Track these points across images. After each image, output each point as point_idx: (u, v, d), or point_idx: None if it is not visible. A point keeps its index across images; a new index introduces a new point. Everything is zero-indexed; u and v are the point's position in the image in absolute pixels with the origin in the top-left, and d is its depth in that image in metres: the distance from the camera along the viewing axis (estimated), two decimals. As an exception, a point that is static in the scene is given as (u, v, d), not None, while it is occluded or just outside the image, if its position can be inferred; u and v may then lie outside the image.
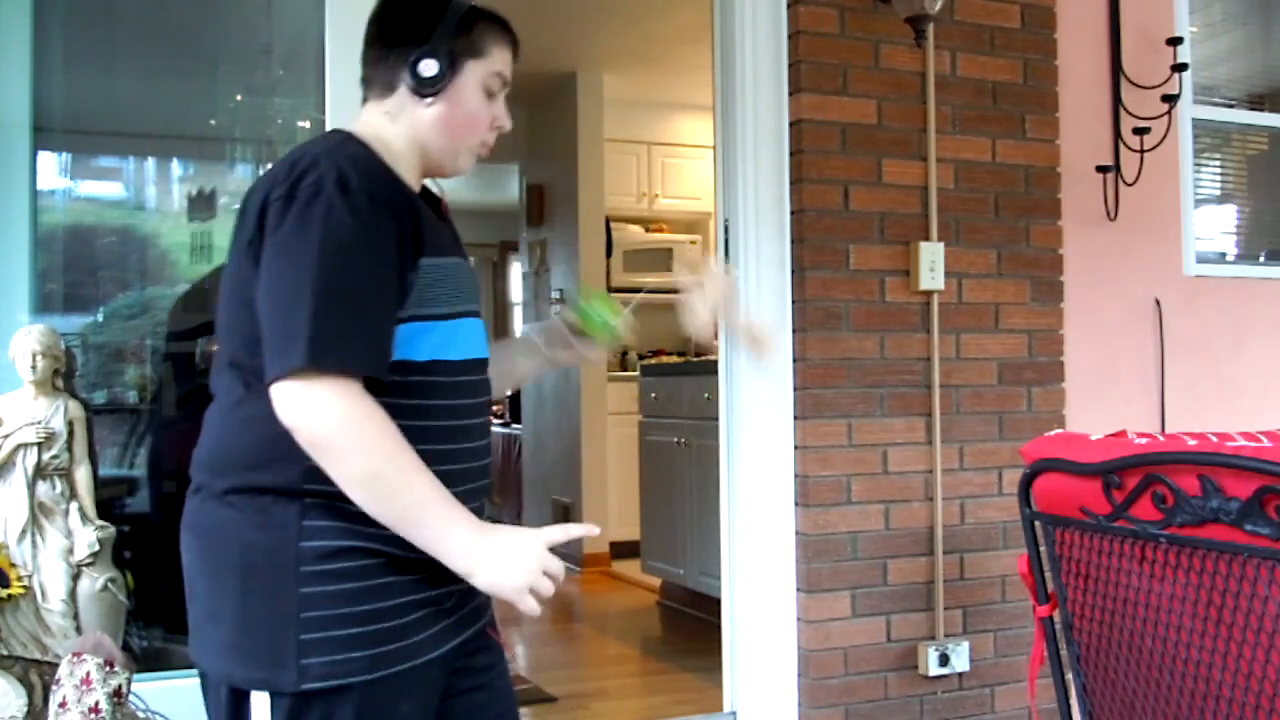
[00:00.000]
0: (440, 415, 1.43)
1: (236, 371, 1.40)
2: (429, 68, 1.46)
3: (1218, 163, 3.97)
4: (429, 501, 1.31)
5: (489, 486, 1.57)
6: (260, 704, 1.34)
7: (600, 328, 1.71)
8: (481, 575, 1.31)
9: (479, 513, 1.46)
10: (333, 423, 1.27)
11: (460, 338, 1.46)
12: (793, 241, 3.09)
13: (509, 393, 1.94)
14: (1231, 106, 3.95)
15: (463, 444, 1.47)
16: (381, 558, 1.36)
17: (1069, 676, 1.84)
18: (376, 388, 1.32)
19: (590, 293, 1.73)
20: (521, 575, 1.31)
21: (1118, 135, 3.54)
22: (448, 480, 1.36)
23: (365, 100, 1.56)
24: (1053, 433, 1.87)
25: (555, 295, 6.42)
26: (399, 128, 1.51)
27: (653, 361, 6.13)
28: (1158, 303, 3.59)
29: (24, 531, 2.20)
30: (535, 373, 1.81)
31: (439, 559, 1.32)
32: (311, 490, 1.33)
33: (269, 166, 1.46)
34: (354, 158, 1.39)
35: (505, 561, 1.31)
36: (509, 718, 1.61)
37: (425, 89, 1.47)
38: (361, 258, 1.32)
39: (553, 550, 1.35)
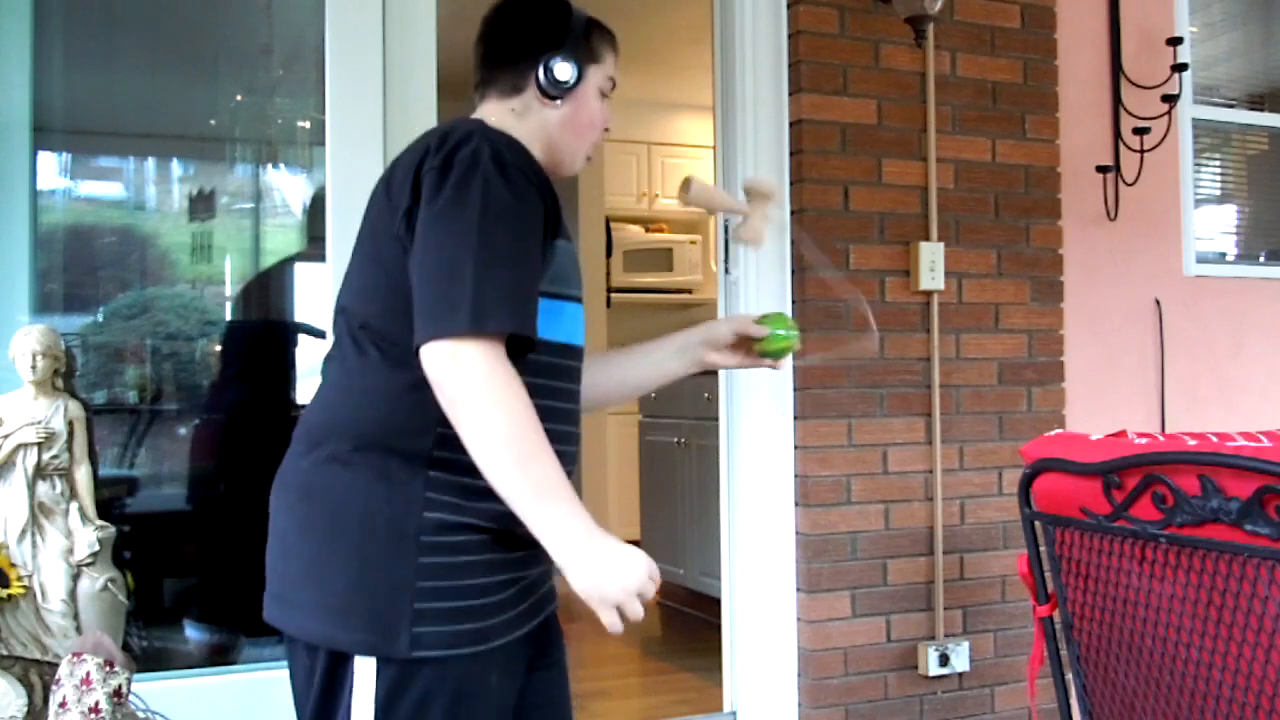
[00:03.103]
0: (552, 396, 1.46)
1: (367, 336, 1.43)
2: (564, 71, 1.55)
3: (1218, 163, 3.97)
4: (555, 483, 1.31)
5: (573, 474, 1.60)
6: (365, 669, 1.35)
7: (782, 346, 1.79)
8: (581, 575, 1.29)
9: None
10: (483, 382, 1.29)
11: (572, 322, 1.50)
12: (793, 241, 3.09)
13: (649, 390, 1.95)
14: (1231, 106, 3.95)
15: (566, 427, 1.49)
16: (491, 535, 1.39)
17: (1069, 676, 1.84)
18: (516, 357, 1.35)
19: (772, 318, 1.78)
20: (619, 590, 1.29)
21: (1118, 135, 3.54)
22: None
23: (483, 99, 1.61)
24: (1053, 433, 1.87)
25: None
26: (527, 126, 1.57)
27: (653, 361, 6.12)
28: (1158, 303, 3.59)
29: (24, 531, 2.20)
30: (684, 373, 1.83)
31: (543, 540, 1.31)
32: (439, 459, 1.36)
33: (413, 143, 1.48)
34: (505, 138, 1.43)
35: (610, 571, 1.29)
36: (566, 699, 1.64)
37: (557, 91, 1.56)
38: (516, 228, 1.36)
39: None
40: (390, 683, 1.34)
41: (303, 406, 3.09)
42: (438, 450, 1.36)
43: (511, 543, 1.40)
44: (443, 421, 1.34)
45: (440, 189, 1.36)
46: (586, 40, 1.59)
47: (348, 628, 1.36)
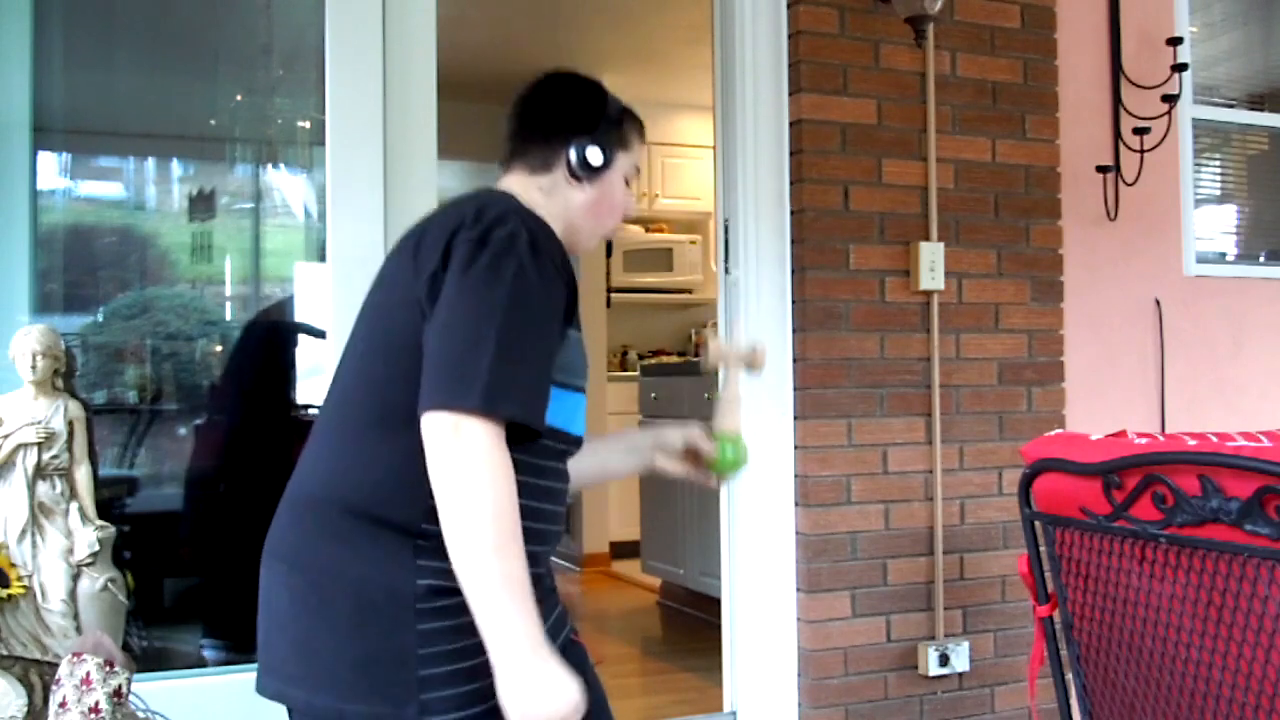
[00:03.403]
0: (546, 476, 1.46)
1: (366, 401, 1.43)
2: (595, 156, 1.58)
3: (1218, 163, 3.97)
4: (521, 583, 1.29)
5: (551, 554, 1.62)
6: None
7: (730, 467, 1.78)
8: (512, 689, 1.27)
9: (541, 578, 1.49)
10: (482, 461, 1.27)
11: (572, 410, 1.50)
12: (793, 241, 3.09)
13: (592, 486, 2.02)
14: (1231, 106, 3.95)
15: (555, 507, 1.50)
16: None
17: (1069, 676, 1.84)
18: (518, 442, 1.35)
19: (724, 438, 1.77)
20: (543, 714, 1.26)
21: (1118, 135, 3.54)
22: (541, 539, 1.43)
23: (509, 170, 1.63)
24: (1053, 433, 1.87)
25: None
26: (552, 204, 1.58)
27: (653, 361, 6.13)
28: (1158, 303, 3.59)
29: (24, 531, 2.20)
30: (630, 472, 1.86)
31: (488, 635, 1.28)
32: (426, 531, 1.34)
33: (444, 208, 1.50)
34: (539, 223, 1.44)
35: (541, 693, 1.26)
36: (604, 707, 1.64)
37: (585, 174, 1.58)
38: (541, 318, 1.37)
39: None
40: None
41: (303, 407, 3.10)
42: (426, 523, 1.34)
43: None
44: (434, 494, 1.33)
45: (473, 262, 1.36)
46: (618, 127, 1.62)
47: (354, 700, 1.34)
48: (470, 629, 1.34)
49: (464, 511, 1.27)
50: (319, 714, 1.38)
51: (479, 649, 1.34)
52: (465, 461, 1.28)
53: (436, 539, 1.33)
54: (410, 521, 1.35)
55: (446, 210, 1.47)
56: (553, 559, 1.59)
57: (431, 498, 1.31)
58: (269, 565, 1.46)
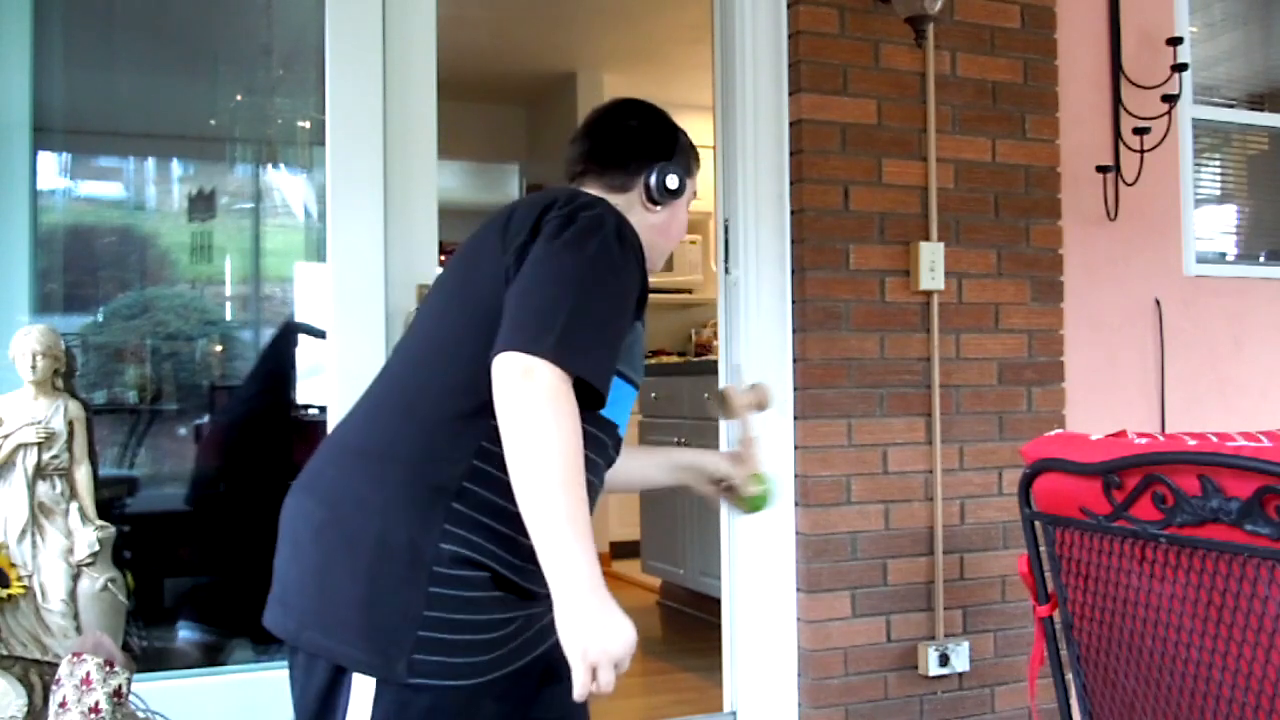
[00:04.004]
0: (587, 468, 1.44)
1: (432, 359, 1.47)
2: (674, 181, 1.67)
3: (1218, 163, 3.97)
4: (584, 521, 1.30)
5: None
6: (363, 687, 1.35)
7: (763, 505, 1.88)
8: (572, 623, 1.28)
9: None
10: (552, 400, 1.29)
11: (624, 403, 1.54)
12: (793, 241, 3.09)
13: (627, 491, 2.12)
14: (1231, 106, 3.95)
15: (590, 498, 1.49)
16: (500, 574, 1.39)
17: (1069, 676, 1.84)
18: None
19: (761, 479, 1.86)
20: (601, 652, 1.27)
21: (1118, 135, 3.54)
22: None
23: (590, 187, 1.68)
24: (1053, 433, 1.87)
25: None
26: None
27: (653, 361, 6.13)
28: (1158, 303, 3.59)
29: (24, 531, 2.20)
30: (664, 485, 1.94)
31: (550, 573, 1.29)
32: (466, 491, 1.37)
33: (534, 195, 1.55)
34: (625, 218, 1.50)
35: (601, 630, 1.28)
36: (580, 713, 1.63)
37: (661, 197, 1.67)
38: (617, 296, 1.42)
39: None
40: (387, 705, 1.35)
41: (303, 407, 3.10)
42: (467, 482, 1.37)
43: (518, 586, 1.41)
44: (480, 454, 1.36)
45: (560, 233, 1.41)
46: (687, 156, 1.72)
47: (351, 645, 1.36)
48: (479, 604, 1.37)
49: (532, 447, 1.28)
50: (317, 650, 1.39)
51: (481, 626, 1.37)
52: (535, 399, 1.29)
53: (473, 506, 1.36)
54: (450, 481, 1.37)
55: (536, 195, 1.53)
56: None
57: (478, 459, 1.35)
58: (297, 497, 1.48)
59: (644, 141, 1.69)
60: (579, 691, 1.28)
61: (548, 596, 1.31)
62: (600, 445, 1.52)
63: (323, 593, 1.39)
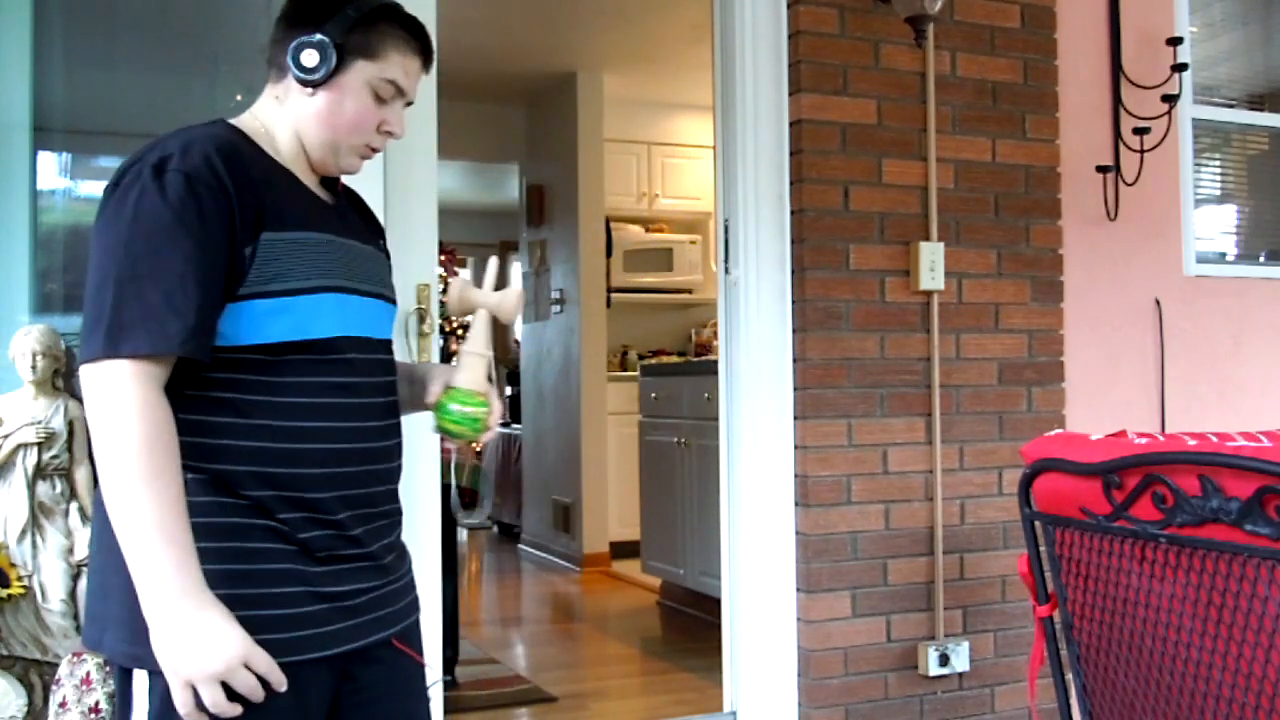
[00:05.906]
0: (309, 393, 1.36)
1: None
2: (310, 58, 1.41)
3: (1218, 163, 3.97)
4: (171, 523, 1.23)
5: (398, 470, 1.50)
6: (141, 683, 1.30)
7: (466, 425, 1.52)
8: (159, 637, 1.21)
9: (389, 501, 1.43)
10: (105, 403, 1.26)
11: (316, 315, 1.37)
12: (793, 241, 3.09)
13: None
14: (1231, 106, 3.95)
15: (348, 423, 1.40)
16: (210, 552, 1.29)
17: (1069, 676, 1.84)
18: (204, 367, 1.31)
19: (456, 395, 1.52)
20: (195, 670, 1.20)
21: (1118, 135, 3.54)
22: (311, 460, 1.33)
23: (266, 82, 1.50)
24: (1053, 433, 1.87)
25: (555, 295, 6.42)
26: (285, 114, 1.46)
27: (653, 361, 6.13)
28: (1158, 303, 3.59)
29: (24, 531, 2.20)
30: (408, 405, 1.60)
31: (135, 582, 1.24)
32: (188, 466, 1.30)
33: None
34: (193, 139, 1.34)
35: (190, 644, 1.19)
36: (414, 693, 1.51)
37: (305, 77, 1.41)
38: (169, 239, 1.28)
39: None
40: (162, 696, 1.26)
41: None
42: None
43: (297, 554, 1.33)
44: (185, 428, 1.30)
45: (104, 210, 1.33)
46: (364, 31, 1.43)
47: (114, 638, 1.32)
48: (229, 577, 1.29)
49: (99, 455, 1.26)
50: (101, 651, 1.38)
51: (241, 601, 1.28)
52: (94, 409, 1.27)
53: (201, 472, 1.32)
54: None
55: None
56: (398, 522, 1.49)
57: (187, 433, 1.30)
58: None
59: (298, 12, 1.44)
60: (181, 710, 1.21)
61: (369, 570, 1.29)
62: (338, 366, 1.39)
63: (99, 595, 1.36)
